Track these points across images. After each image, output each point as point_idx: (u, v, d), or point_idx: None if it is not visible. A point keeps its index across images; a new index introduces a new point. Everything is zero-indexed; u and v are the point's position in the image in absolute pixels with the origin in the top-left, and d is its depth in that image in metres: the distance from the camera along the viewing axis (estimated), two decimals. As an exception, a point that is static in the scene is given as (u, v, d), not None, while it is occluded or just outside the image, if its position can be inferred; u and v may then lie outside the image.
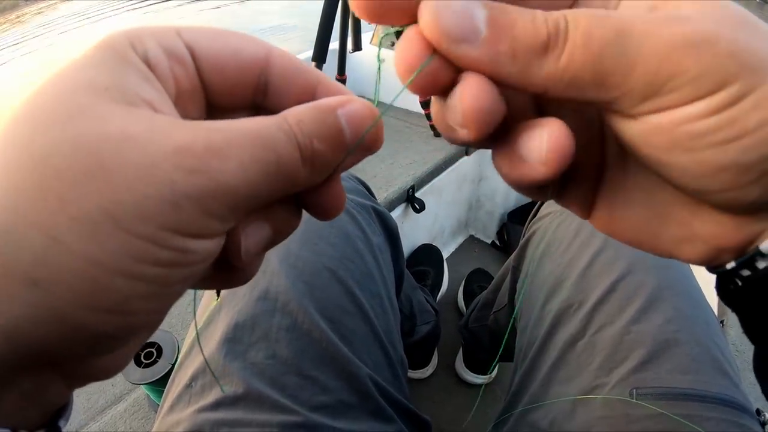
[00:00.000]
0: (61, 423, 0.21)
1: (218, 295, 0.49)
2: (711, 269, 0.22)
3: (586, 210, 0.24)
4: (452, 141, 0.20)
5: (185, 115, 0.20)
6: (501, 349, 0.82)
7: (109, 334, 0.17)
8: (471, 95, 0.17)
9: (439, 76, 0.18)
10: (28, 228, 0.15)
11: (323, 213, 0.22)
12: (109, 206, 0.15)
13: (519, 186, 0.21)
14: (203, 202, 0.16)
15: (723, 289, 0.22)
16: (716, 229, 0.20)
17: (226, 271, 0.22)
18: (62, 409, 0.21)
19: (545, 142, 0.18)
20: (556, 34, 0.17)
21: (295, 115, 0.19)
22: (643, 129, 0.18)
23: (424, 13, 0.17)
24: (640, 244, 0.23)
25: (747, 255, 0.20)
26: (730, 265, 0.21)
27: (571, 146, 0.18)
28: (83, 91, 0.16)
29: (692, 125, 0.17)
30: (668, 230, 0.22)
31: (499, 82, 0.17)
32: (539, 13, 0.17)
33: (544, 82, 0.17)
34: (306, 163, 0.19)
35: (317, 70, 0.22)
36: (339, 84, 0.22)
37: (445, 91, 0.18)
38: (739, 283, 0.21)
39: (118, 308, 0.16)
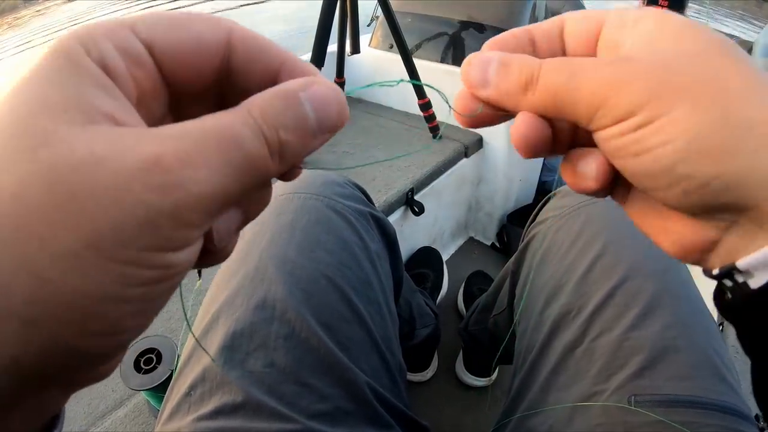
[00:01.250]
0: None
1: (199, 275, 0.49)
2: (706, 274, 0.25)
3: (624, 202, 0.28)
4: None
5: (149, 114, 0.20)
6: (498, 355, 0.82)
7: (104, 354, 0.18)
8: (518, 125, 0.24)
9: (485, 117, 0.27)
10: (15, 270, 0.15)
11: (284, 180, 0.23)
12: (88, 237, 0.15)
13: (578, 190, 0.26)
14: (180, 216, 0.16)
15: (719, 299, 0.24)
16: (681, 228, 0.24)
17: (203, 253, 0.22)
18: (55, 418, 0.21)
19: (595, 166, 0.25)
20: (530, 80, 0.24)
21: (258, 106, 0.18)
22: (598, 141, 0.24)
23: (463, 76, 0.26)
24: (645, 230, 0.27)
25: (726, 267, 0.22)
26: (715, 271, 0.23)
27: (609, 169, 0.25)
28: (42, 115, 0.16)
29: (617, 141, 0.22)
30: (657, 221, 0.25)
31: (505, 110, 0.25)
32: (524, 66, 0.24)
33: (530, 107, 0.24)
34: (274, 155, 0.19)
35: (281, 48, 0.22)
36: (303, 62, 0.22)
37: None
38: (730, 296, 0.22)
39: (111, 330, 0.17)
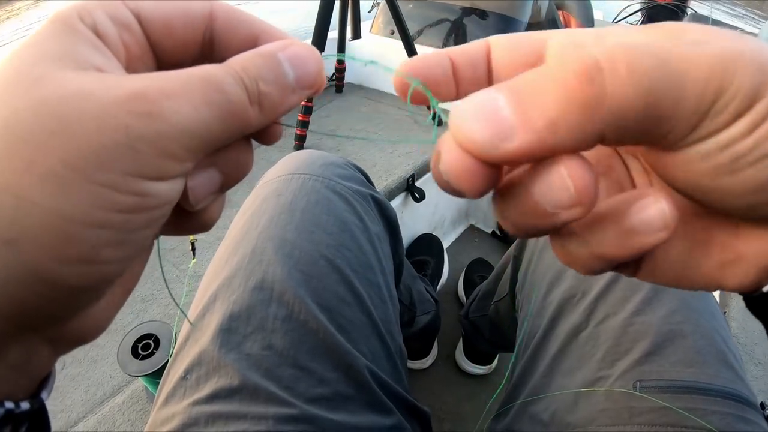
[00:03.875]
0: (44, 395, 0.21)
1: (193, 254, 0.49)
2: (748, 297, 0.21)
3: (634, 268, 0.23)
4: (541, 231, 0.19)
5: None
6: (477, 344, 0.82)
7: (83, 286, 0.18)
8: (580, 173, 0.17)
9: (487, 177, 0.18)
10: (1, 191, 0.16)
11: (264, 141, 0.24)
12: (72, 160, 0.16)
13: (612, 261, 0.20)
14: (159, 144, 0.17)
15: (751, 299, 0.21)
16: (762, 245, 0.19)
17: (184, 216, 0.22)
18: (44, 380, 0.22)
19: (666, 209, 0.18)
20: (590, 71, 0.16)
21: (239, 61, 0.20)
22: (685, 159, 0.18)
23: (454, 130, 0.17)
24: (685, 281, 0.22)
25: None
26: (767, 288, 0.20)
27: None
28: (39, 63, 0.17)
29: (735, 147, 0.16)
30: (711, 258, 0.21)
31: (550, 156, 0.17)
32: (561, 63, 0.16)
33: (596, 129, 0.16)
34: (254, 103, 0.20)
35: (259, 19, 0.23)
36: (280, 30, 0.23)
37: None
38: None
39: (89, 258, 0.17)
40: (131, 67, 0.21)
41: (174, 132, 0.17)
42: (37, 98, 0.16)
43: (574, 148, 0.17)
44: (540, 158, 0.17)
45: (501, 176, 0.18)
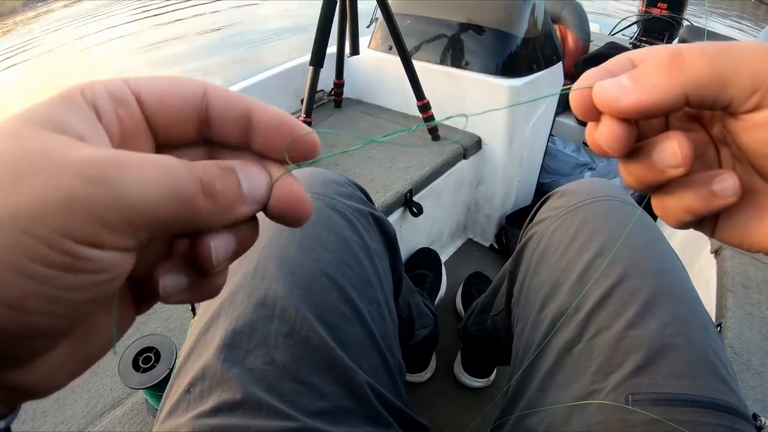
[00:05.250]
0: (1, 424, 0.21)
1: (194, 313, 0.49)
2: None
3: (711, 229, 0.28)
4: (653, 184, 0.26)
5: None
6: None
7: (11, 330, 0.18)
8: (685, 145, 0.24)
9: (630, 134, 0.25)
10: None
11: (289, 224, 0.25)
12: (13, 208, 0.17)
13: (694, 217, 0.26)
14: (97, 210, 0.17)
15: None
16: None
17: (202, 281, 0.24)
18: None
19: (737, 182, 0.25)
20: (674, 58, 0.23)
21: (200, 162, 0.21)
22: (750, 124, 0.23)
23: (595, 95, 0.25)
24: (745, 242, 0.27)
25: None
26: None
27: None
28: (19, 122, 0.19)
29: None
30: (765, 226, 0.26)
31: (655, 111, 0.24)
32: (659, 54, 0.24)
33: (682, 89, 0.23)
34: (207, 196, 0.20)
35: (250, 98, 0.24)
36: (273, 108, 0.24)
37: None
38: None
39: (15, 303, 0.17)
40: (125, 139, 0.22)
41: (114, 202, 0.18)
42: (3, 148, 0.18)
43: (668, 106, 0.23)
44: (648, 114, 0.24)
45: (631, 144, 0.25)
